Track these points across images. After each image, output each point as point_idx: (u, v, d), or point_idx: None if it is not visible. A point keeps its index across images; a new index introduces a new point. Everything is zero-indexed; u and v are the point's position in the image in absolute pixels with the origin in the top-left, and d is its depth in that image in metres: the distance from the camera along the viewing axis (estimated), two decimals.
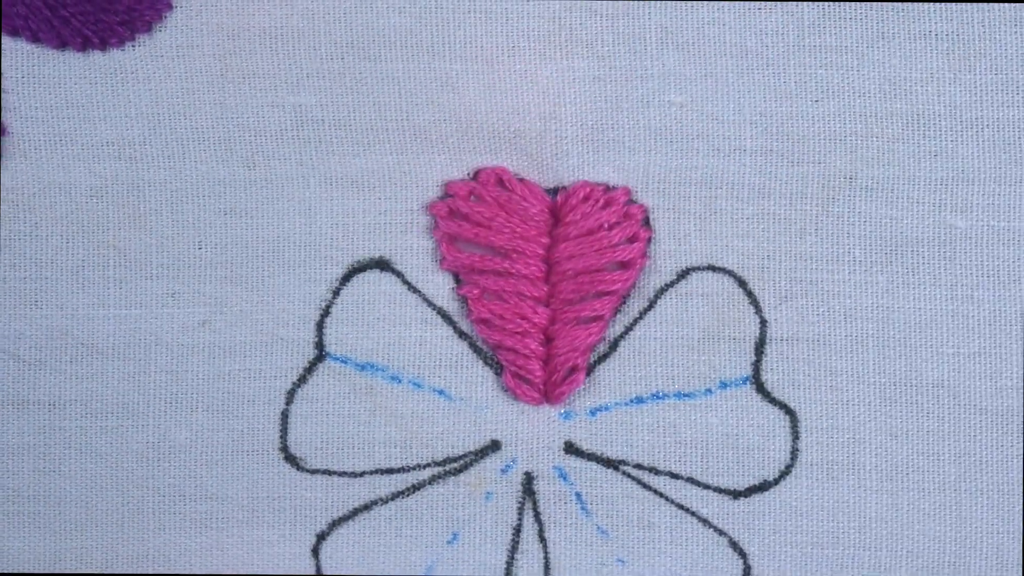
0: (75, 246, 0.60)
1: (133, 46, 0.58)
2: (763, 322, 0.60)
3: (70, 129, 0.59)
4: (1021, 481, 0.60)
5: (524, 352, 0.60)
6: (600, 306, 0.60)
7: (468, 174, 0.59)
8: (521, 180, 0.59)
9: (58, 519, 0.61)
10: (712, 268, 0.60)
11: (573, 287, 0.60)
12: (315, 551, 0.61)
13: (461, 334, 0.60)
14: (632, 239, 0.60)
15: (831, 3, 0.58)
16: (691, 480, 0.61)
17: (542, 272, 0.60)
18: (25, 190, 0.59)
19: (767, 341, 0.60)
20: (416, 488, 0.61)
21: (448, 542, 0.61)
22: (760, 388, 0.60)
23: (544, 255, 0.60)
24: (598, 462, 0.61)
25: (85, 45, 0.58)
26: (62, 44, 0.58)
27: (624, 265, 0.60)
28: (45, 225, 0.59)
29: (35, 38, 0.58)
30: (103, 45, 0.58)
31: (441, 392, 0.60)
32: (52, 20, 0.58)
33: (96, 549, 0.61)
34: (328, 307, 0.60)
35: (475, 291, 0.60)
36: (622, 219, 0.59)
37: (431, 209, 0.59)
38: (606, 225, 0.59)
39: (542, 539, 0.61)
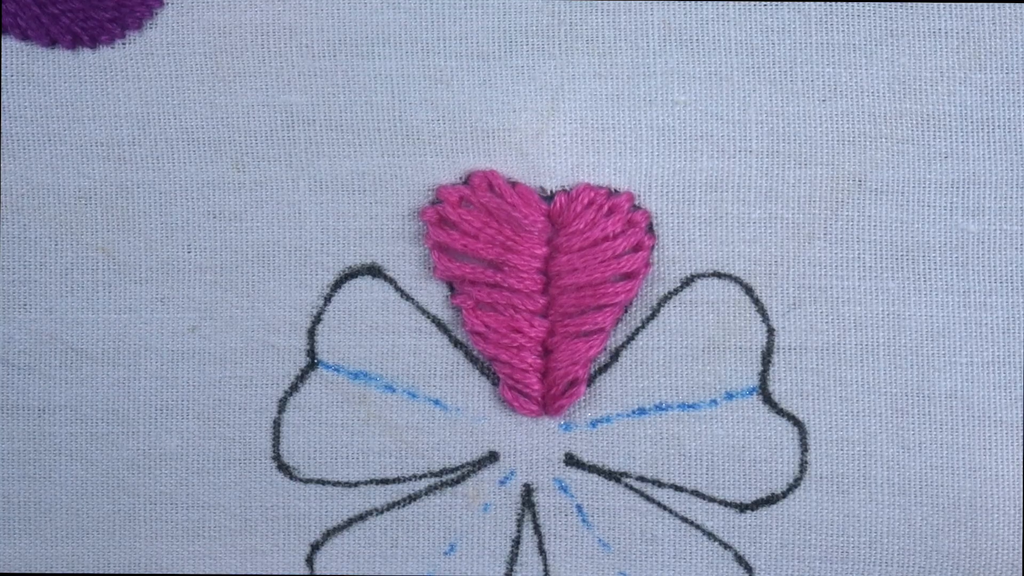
0: (64, 249, 0.59)
1: (123, 44, 0.58)
2: (770, 330, 0.59)
3: (59, 129, 0.59)
4: None
5: (521, 366, 0.59)
6: (602, 319, 0.58)
7: (461, 177, 0.58)
8: (514, 185, 0.58)
9: (48, 525, 0.61)
10: (718, 275, 0.59)
11: (574, 300, 0.59)
12: (309, 561, 0.61)
13: (456, 343, 0.59)
14: (636, 248, 0.58)
15: (839, 0, 0.57)
16: (695, 493, 0.60)
17: (538, 285, 0.59)
18: (14, 191, 0.59)
19: (774, 350, 0.59)
20: (412, 498, 0.60)
21: (445, 553, 0.61)
22: (767, 399, 0.59)
23: (541, 267, 0.58)
24: (599, 474, 0.60)
25: (75, 43, 0.58)
26: (52, 42, 0.58)
27: (627, 276, 0.58)
28: (34, 227, 0.59)
29: (24, 36, 0.58)
30: (93, 43, 0.58)
31: (436, 402, 0.59)
32: (41, 17, 0.58)
33: (87, 556, 0.61)
34: (319, 314, 0.59)
35: (469, 302, 0.59)
36: (626, 227, 0.58)
37: (421, 215, 0.59)
38: (610, 235, 0.58)
39: (542, 551, 0.61)
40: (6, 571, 0.61)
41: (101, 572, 0.61)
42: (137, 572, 0.61)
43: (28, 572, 0.61)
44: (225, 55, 0.58)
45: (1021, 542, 0.59)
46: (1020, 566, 0.59)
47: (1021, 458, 0.59)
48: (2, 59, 0.58)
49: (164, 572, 0.61)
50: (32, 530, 0.60)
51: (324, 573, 0.61)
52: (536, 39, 0.57)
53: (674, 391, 0.59)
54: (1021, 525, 0.59)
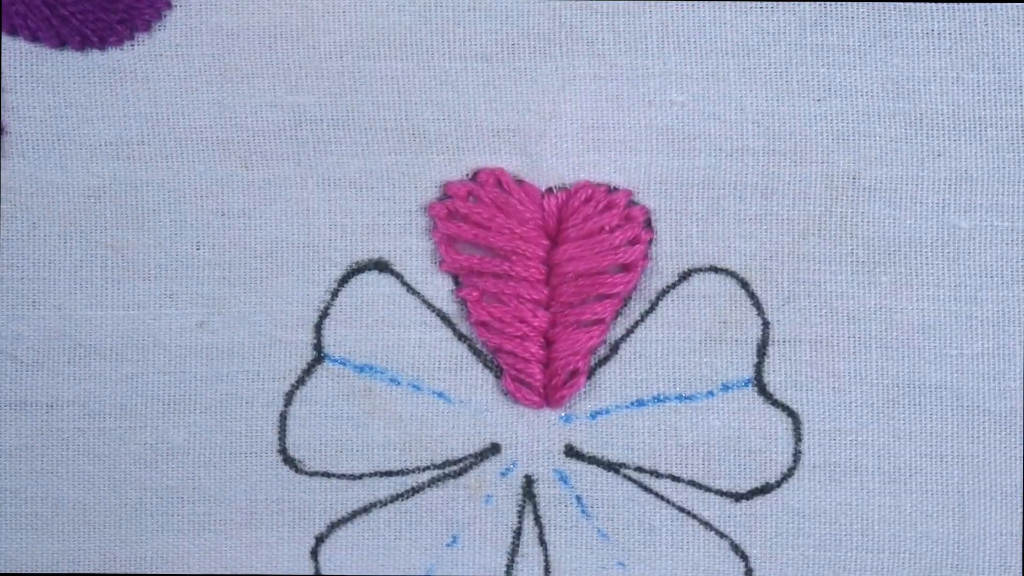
0: (73, 246, 0.59)
1: (132, 45, 0.58)
2: (765, 323, 0.60)
3: (69, 129, 0.59)
4: (1023, 483, 0.60)
5: (524, 356, 0.59)
6: (601, 309, 0.59)
7: (467, 175, 0.59)
8: (520, 182, 0.59)
9: (56, 520, 0.61)
10: (714, 269, 0.60)
11: (574, 290, 0.59)
12: (314, 553, 0.61)
13: (460, 336, 0.60)
14: (633, 241, 0.59)
15: (833, 2, 0.58)
16: (692, 483, 0.60)
17: (542, 275, 0.59)
18: (23, 190, 0.59)
19: (769, 343, 0.60)
20: (415, 491, 0.61)
21: (448, 545, 0.61)
22: (762, 390, 0.60)
23: (544, 257, 0.59)
24: (599, 465, 0.61)
25: (84, 44, 0.58)
26: (61, 43, 0.58)
27: (625, 268, 0.59)
28: (43, 225, 0.59)
29: (34, 37, 0.58)
30: (102, 44, 0.58)
31: (440, 395, 0.60)
32: (51, 19, 0.58)
33: (94, 550, 0.61)
34: (327, 309, 0.60)
35: (474, 293, 0.59)
36: (623, 221, 0.59)
37: (430, 211, 0.59)
38: (607, 228, 0.59)
39: (542, 542, 0.61)
40: (15, 565, 0.61)
41: (104, 574, 0.61)
42: (144, 565, 0.61)
43: (28, 573, 0.61)
44: (233, 56, 0.58)
45: (1007, 528, 0.60)
46: (1007, 551, 0.60)
47: (1008, 446, 0.59)
48: (10, 60, 0.58)
49: (171, 565, 0.61)
50: (40, 524, 0.61)
51: (329, 565, 0.61)
52: (538, 42, 0.58)
53: (672, 383, 0.60)
54: (1007, 511, 0.60)
